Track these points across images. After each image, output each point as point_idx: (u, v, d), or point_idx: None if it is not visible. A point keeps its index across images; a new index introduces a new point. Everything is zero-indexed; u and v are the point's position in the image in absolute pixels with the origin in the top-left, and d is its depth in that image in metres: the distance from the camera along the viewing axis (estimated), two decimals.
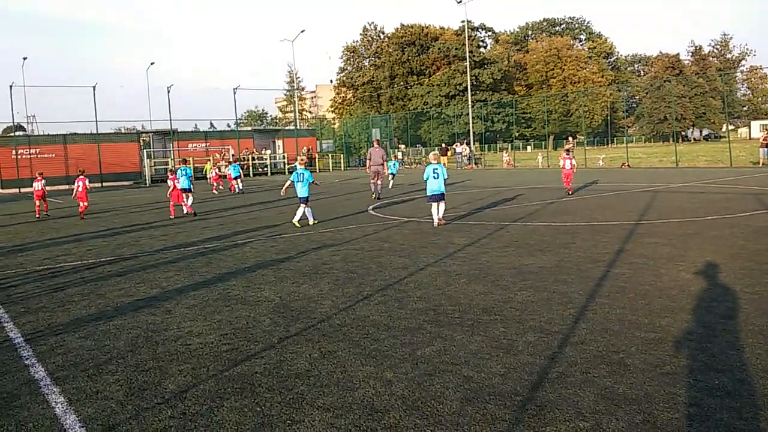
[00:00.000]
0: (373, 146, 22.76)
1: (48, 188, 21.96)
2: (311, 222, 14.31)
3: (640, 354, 4.90)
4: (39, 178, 20.53)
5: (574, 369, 4.63)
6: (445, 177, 13.22)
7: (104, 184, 42.83)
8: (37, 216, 20.00)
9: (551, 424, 3.78)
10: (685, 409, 3.89)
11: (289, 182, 14.45)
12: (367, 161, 22.06)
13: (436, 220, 13.15)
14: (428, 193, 13.27)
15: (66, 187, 35.35)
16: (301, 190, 14.08)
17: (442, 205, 13.27)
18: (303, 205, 14.19)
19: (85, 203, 19.19)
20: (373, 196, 21.14)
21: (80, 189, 19.09)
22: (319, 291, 7.57)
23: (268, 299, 7.28)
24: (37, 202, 20.33)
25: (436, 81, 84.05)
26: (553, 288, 7.16)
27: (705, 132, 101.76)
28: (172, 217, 17.58)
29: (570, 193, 19.22)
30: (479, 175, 34.22)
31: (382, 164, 21.92)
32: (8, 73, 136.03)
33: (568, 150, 20.60)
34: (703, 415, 3.79)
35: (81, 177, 19.39)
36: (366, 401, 4.24)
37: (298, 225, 14.08)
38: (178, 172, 18.97)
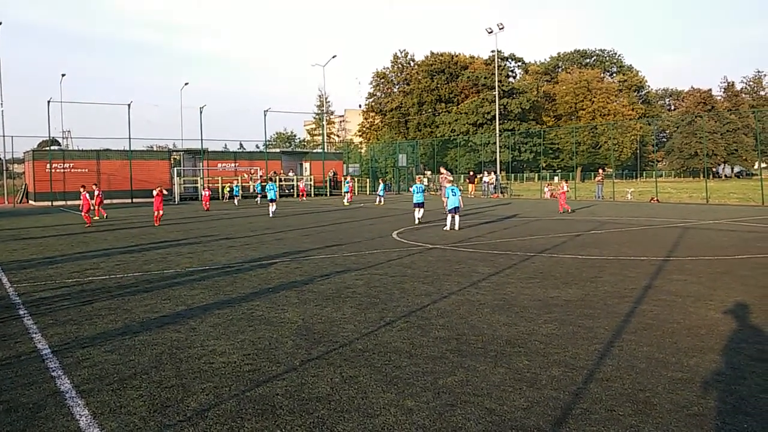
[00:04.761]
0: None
1: (78, 202, 25.92)
2: (447, 228, 18.14)
3: (666, 393, 4.81)
4: (91, 188, 25.50)
5: (598, 406, 4.56)
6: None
7: (134, 200, 43.59)
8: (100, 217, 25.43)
9: None
10: None
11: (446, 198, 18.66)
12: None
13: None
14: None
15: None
16: (453, 201, 18.12)
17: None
18: (450, 214, 18.17)
19: (160, 211, 22.62)
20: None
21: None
22: (342, 315, 7.58)
23: (291, 321, 7.31)
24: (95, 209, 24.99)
25: (464, 109, 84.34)
26: (578, 322, 7.08)
27: (736, 169, 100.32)
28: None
29: (569, 211, 25.86)
30: (505, 204, 34.04)
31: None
32: (47, 89, 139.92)
33: (566, 180, 30.62)
34: None
35: (158, 190, 22.70)
36: (386, 429, 4.21)
37: (456, 229, 18.02)
38: (268, 186, 26.46)
